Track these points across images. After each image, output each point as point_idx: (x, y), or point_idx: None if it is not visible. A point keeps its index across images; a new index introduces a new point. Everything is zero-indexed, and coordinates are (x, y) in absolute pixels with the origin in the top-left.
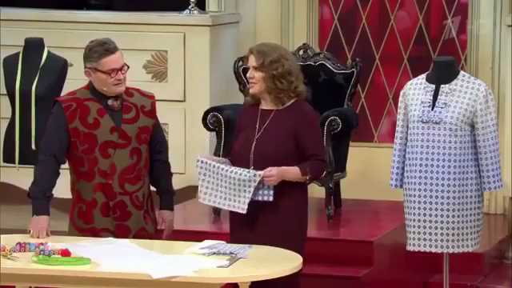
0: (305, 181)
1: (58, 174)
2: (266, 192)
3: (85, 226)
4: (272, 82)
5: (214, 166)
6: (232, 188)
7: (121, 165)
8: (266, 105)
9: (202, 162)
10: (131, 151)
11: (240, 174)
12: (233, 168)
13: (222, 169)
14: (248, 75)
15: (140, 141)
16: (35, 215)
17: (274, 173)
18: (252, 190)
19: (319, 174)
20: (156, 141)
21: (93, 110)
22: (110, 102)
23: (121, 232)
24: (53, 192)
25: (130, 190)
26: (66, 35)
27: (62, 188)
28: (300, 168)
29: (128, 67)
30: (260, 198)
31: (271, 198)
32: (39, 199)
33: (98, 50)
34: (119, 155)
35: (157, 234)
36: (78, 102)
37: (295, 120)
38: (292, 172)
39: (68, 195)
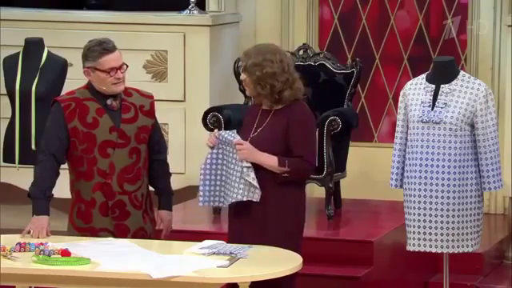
0: (281, 173)
1: (58, 173)
2: (251, 193)
3: (84, 226)
4: (254, 85)
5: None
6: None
7: (120, 164)
8: (265, 105)
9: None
10: (130, 151)
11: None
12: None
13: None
14: (240, 77)
15: (139, 140)
16: (35, 215)
17: (245, 146)
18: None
19: (301, 174)
20: (155, 141)
21: (92, 110)
22: (109, 101)
23: (119, 232)
24: (53, 192)
25: (129, 189)
26: (66, 35)
27: (62, 188)
28: (279, 158)
29: (127, 66)
30: (245, 199)
31: (256, 198)
32: (39, 199)
33: (97, 49)
34: (118, 155)
35: (155, 234)
36: (77, 102)
37: (287, 120)
38: (267, 158)
39: (68, 195)
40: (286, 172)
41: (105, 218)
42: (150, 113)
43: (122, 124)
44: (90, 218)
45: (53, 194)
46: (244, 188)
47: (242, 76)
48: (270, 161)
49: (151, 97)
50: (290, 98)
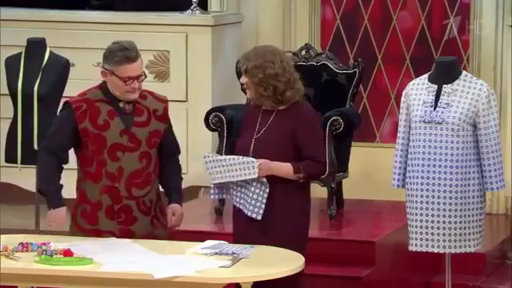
0: (298, 179)
1: (61, 168)
2: (255, 210)
3: (88, 227)
4: (257, 88)
5: (219, 160)
6: (235, 171)
7: (129, 168)
8: (267, 105)
9: (207, 156)
10: (140, 155)
11: (239, 159)
12: (234, 156)
13: (225, 159)
14: (240, 80)
15: (150, 145)
16: (52, 209)
17: (262, 166)
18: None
19: (315, 175)
20: (168, 144)
21: (103, 112)
22: (121, 104)
23: (124, 236)
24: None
25: (137, 194)
26: (67, 35)
27: (69, 188)
28: (293, 165)
29: (145, 76)
30: (249, 214)
31: (259, 217)
32: (51, 192)
33: (119, 55)
34: (128, 159)
35: (170, 239)
36: (88, 103)
37: (293, 121)
38: (283, 168)
39: (70, 195)
40: (302, 178)
41: (111, 221)
42: (163, 117)
43: (133, 127)
44: (96, 219)
45: (62, 185)
46: (254, 204)
47: (243, 79)
48: (285, 170)
49: (165, 101)
50: (292, 99)
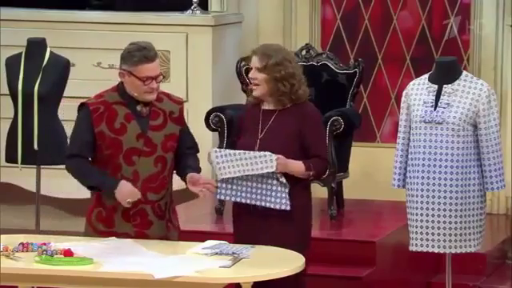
0: (308, 176)
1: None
2: (283, 201)
3: (105, 230)
4: (274, 85)
5: (231, 154)
6: (251, 168)
7: (144, 173)
8: (268, 105)
9: (217, 151)
10: (156, 159)
11: (254, 153)
12: (247, 151)
13: (239, 153)
14: (250, 76)
15: (166, 149)
16: (114, 189)
17: (279, 161)
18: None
19: (322, 173)
20: (185, 143)
21: (120, 115)
22: (138, 107)
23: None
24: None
25: (153, 199)
26: (67, 35)
27: (69, 188)
28: (304, 163)
29: (164, 76)
30: (273, 206)
31: (288, 207)
32: (101, 179)
33: (137, 55)
34: (143, 163)
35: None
36: (105, 106)
37: (298, 120)
38: (296, 165)
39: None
40: (312, 175)
41: (126, 224)
42: (179, 119)
43: (149, 131)
44: (112, 222)
45: (105, 172)
46: (279, 196)
47: (257, 75)
48: (298, 167)
49: (181, 102)
50: (302, 98)
